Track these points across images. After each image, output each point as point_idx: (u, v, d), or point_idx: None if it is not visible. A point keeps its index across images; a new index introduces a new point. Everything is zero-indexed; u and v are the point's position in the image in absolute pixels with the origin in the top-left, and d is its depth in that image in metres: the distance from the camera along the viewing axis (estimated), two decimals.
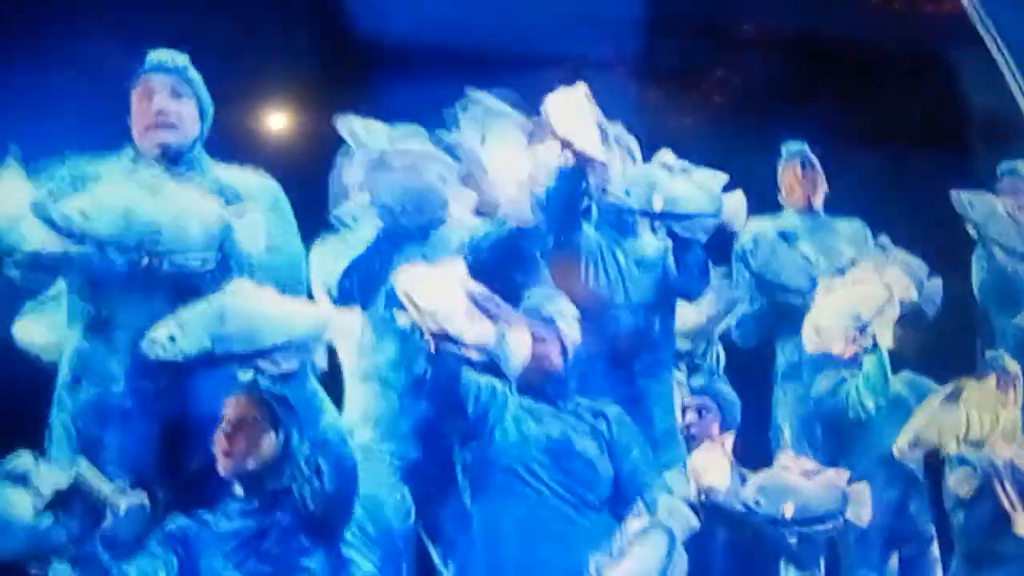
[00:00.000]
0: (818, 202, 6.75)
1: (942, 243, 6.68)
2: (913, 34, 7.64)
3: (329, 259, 5.39)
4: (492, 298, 5.01)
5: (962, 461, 6.02)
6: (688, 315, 6.23)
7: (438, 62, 6.82)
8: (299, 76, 6.36)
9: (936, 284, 6.57)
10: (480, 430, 5.15)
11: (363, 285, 5.33)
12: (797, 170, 6.75)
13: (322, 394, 5.07)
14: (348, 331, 5.29)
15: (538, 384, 5.25)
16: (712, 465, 5.57)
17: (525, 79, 6.37)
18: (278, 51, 5.62)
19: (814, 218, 6.73)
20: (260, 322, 4.85)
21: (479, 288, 5.00)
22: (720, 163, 6.33)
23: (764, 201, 6.70)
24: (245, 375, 4.88)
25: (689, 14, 7.67)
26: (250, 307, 4.89)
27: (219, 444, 4.80)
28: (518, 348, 4.96)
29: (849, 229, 6.72)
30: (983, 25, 7.57)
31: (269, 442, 4.80)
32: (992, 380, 6.17)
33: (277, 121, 6.86)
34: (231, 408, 4.83)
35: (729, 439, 5.84)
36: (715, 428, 6.13)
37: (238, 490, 4.81)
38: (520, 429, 5.19)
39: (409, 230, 5.40)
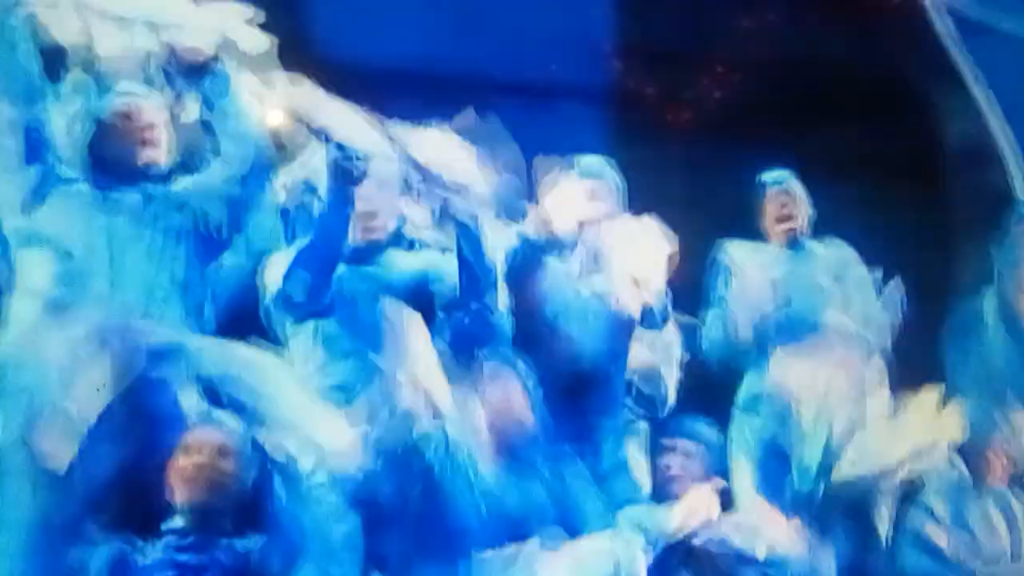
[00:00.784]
0: (802, 230, 6.54)
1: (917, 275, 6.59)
2: (890, 64, 7.58)
3: (277, 265, 5.31)
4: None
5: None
6: (644, 354, 6.11)
7: (406, 88, 6.78)
8: None
9: (894, 287, 6.44)
10: (428, 488, 5.03)
11: (310, 283, 5.22)
12: (777, 201, 6.54)
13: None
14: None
15: (507, 442, 5.21)
16: (703, 506, 5.50)
17: (496, 107, 6.34)
18: None
19: (797, 250, 6.53)
20: None
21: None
22: (692, 189, 6.27)
23: (739, 228, 6.62)
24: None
25: (666, 42, 7.63)
26: None
27: (178, 472, 4.75)
28: None
29: (832, 256, 6.56)
30: (962, 59, 7.52)
31: (228, 478, 4.77)
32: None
33: None
34: (195, 438, 4.81)
35: (718, 485, 5.71)
36: (698, 473, 5.94)
37: (178, 522, 4.76)
38: (473, 492, 5.09)
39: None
